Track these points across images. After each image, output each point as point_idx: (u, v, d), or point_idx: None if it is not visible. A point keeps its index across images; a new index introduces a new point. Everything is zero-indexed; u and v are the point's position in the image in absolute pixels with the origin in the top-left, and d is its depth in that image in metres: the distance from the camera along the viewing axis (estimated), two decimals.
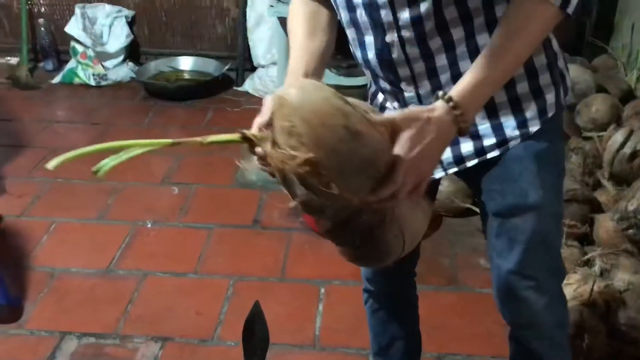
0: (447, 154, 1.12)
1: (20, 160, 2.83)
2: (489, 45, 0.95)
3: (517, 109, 1.08)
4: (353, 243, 0.95)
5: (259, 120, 0.92)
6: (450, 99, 0.90)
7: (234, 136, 0.89)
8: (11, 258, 2.17)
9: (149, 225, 2.37)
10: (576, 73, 2.54)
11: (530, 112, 1.08)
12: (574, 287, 1.80)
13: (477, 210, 2.30)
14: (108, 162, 0.87)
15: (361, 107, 0.84)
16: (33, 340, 1.85)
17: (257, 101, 3.32)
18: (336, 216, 0.91)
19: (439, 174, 1.16)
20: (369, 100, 1.24)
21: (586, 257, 1.92)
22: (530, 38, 0.95)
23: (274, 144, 0.83)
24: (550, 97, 1.09)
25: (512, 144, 1.09)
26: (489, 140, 1.10)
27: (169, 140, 0.90)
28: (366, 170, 0.84)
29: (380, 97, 1.20)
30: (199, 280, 2.09)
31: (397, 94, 1.12)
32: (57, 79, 3.62)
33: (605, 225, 2.00)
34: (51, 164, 0.85)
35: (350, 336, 1.86)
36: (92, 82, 3.58)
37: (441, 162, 1.14)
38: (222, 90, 3.51)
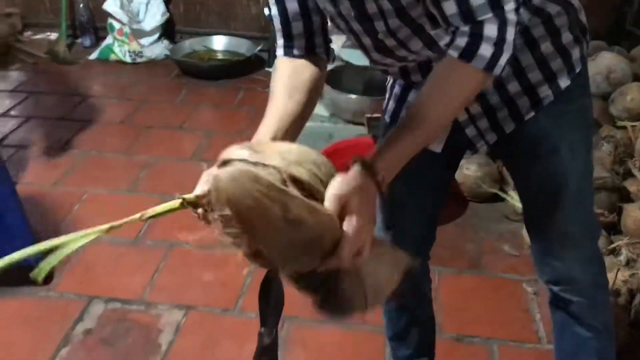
0: (485, 124, 1.13)
1: (56, 132, 2.91)
2: (412, 107, 0.94)
3: (545, 68, 1.08)
4: (313, 293, 0.94)
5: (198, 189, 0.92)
6: (369, 165, 0.87)
7: (174, 204, 0.88)
8: (43, 225, 2.23)
9: (177, 197, 2.41)
10: (613, 61, 2.49)
11: (559, 68, 1.08)
12: None
13: (504, 196, 2.31)
14: (47, 264, 0.87)
15: (309, 179, 0.83)
16: (62, 302, 1.92)
17: None
18: (289, 273, 0.92)
19: (481, 146, 1.17)
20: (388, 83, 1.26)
21: (612, 245, 1.89)
22: (453, 102, 0.93)
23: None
24: (575, 53, 1.10)
25: (545, 102, 1.10)
26: (524, 102, 1.10)
27: (105, 227, 0.89)
28: (311, 251, 0.84)
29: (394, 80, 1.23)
30: (224, 253, 2.11)
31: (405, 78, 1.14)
32: (94, 55, 3.70)
33: (633, 214, 1.97)
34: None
35: (369, 314, 1.88)
36: (128, 59, 3.65)
37: (481, 134, 1.14)
38: (253, 70, 3.54)
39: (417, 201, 1.27)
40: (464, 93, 0.93)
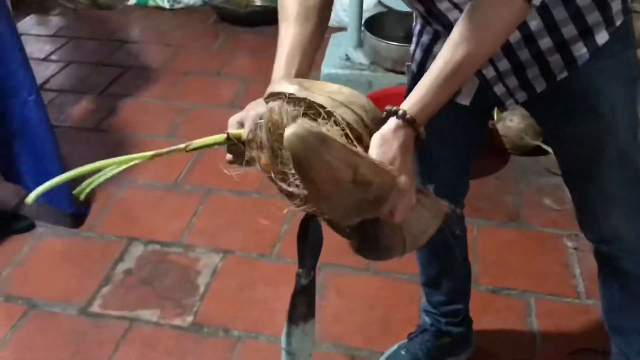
0: (514, 82, 1.07)
1: (96, 77, 2.93)
2: (443, 49, 0.87)
3: (580, 22, 1.00)
4: (352, 238, 0.93)
5: (236, 118, 0.92)
6: (404, 114, 0.84)
7: (219, 137, 0.88)
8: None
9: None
10: None
11: (596, 22, 1.00)
12: None
13: (547, 148, 2.24)
14: (89, 184, 0.87)
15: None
16: (103, 243, 1.96)
17: (327, 30, 3.28)
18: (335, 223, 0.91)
19: (510, 105, 1.11)
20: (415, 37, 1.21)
21: None
22: (490, 37, 0.87)
23: (270, 151, 0.82)
24: (616, 4, 1.02)
25: (580, 60, 1.02)
26: (556, 60, 1.03)
27: (149, 154, 0.88)
28: (371, 209, 0.83)
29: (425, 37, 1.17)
30: (261, 199, 2.14)
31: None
32: (132, 1, 3.68)
33: None
34: (30, 198, 0.86)
35: (404, 263, 1.87)
36: (166, 5, 3.62)
37: (510, 92, 1.09)
38: None
39: (446, 152, 1.24)
40: (502, 25, 0.87)
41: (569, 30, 1.00)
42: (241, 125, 0.92)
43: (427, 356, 1.53)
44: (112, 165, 0.87)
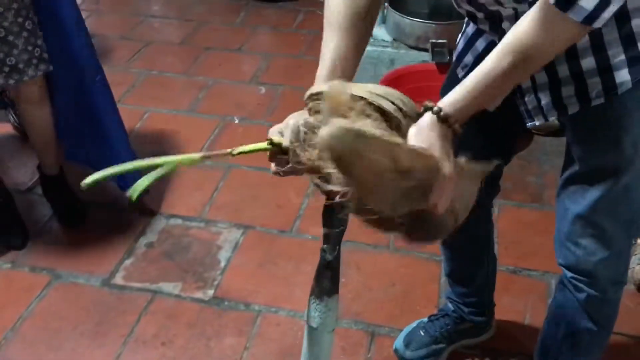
0: (547, 97, 1.01)
1: (118, 51, 2.93)
2: (489, 58, 0.86)
3: (631, 47, 0.93)
4: (403, 226, 0.91)
5: (277, 129, 0.91)
6: (439, 111, 0.86)
7: (262, 145, 0.88)
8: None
9: (236, 121, 2.42)
10: None
11: None
12: None
13: None
14: (141, 184, 0.87)
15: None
16: (125, 217, 1.98)
17: None
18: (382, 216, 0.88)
19: (538, 120, 1.06)
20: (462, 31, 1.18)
21: None
22: (541, 58, 0.85)
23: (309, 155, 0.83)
24: None
25: (621, 89, 0.95)
26: (595, 84, 0.96)
27: (198, 155, 0.88)
28: (418, 195, 0.83)
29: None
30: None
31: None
32: None
33: None
34: (86, 182, 0.86)
35: None
36: None
37: (540, 108, 1.03)
38: None
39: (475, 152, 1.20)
40: (554, 43, 0.83)
41: (616, 53, 0.94)
42: (282, 135, 0.92)
43: (446, 339, 1.54)
44: (164, 164, 0.88)
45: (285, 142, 0.90)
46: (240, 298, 1.71)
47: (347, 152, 0.76)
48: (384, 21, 2.63)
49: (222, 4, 3.40)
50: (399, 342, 1.56)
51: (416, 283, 1.76)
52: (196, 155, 0.89)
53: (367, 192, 0.80)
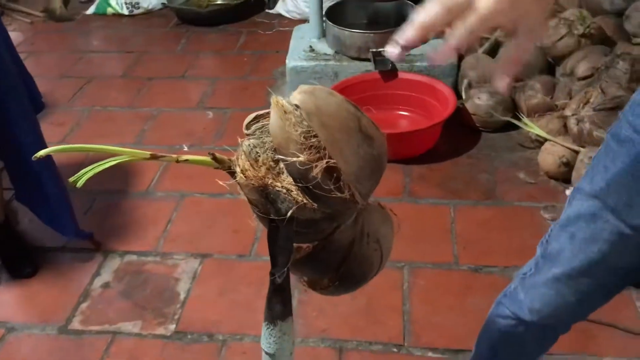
0: None
1: (59, 91, 2.87)
2: None
3: None
4: (333, 265, 0.91)
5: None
6: None
7: (207, 158, 0.87)
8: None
9: (185, 149, 2.39)
10: None
11: None
12: None
13: (517, 123, 2.24)
14: (86, 172, 0.86)
15: None
16: (78, 258, 1.93)
17: (290, 23, 3.25)
18: (322, 232, 0.88)
19: None
20: None
21: None
22: None
23: (254, 160, 0.83)
24: None
25: None
26: None
27: (147, 153, 0.89)
28: (377, 171, 0.83)
29: None
30: (235, 200, 2.11)
31: None
32: (90, 10, 3.62)
33: None
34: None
35: None
36: (125, 11, 3.56)
37: None
38: (254, 13, 3.45)
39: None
40: None
41: None
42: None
43: None
44: (111, 152, 0.87)
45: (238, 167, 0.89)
46: (203, 329, 1.67)
47: (320, 102, 0.78)
48: (324, 35, 2.64)
49: (161, 33, 3.37)
50: None
51: (379, 293, 1.75)
52: (145, 153, 0.89)
53: (335, 146, 0.79)
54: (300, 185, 0.83)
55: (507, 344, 1.20)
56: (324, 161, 0.80)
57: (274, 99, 0.84)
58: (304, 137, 0.80)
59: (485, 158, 2.26)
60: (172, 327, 1.69)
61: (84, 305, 1.77)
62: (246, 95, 2.73)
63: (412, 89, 2.43)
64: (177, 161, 0.92)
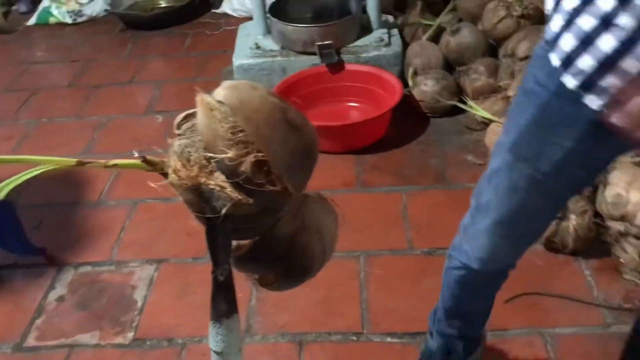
0: None
1: (3, 105, 2.81)
2: None
3: None
4: (276, 259, 0.92)
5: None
6: None
7: (137, 162, 0.88)
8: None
9: (136, 155, 2.35)
10: None
11: None
12: None
13: (463, 107, 2.28)
14: (9, 183, 0.85)
15: None
16: (32, 273, 1.89)
17: (236, 21, 3.24)
18: (261, 227, 0.89)
19: None
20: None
21: None
22: None
23: (186, 160, 0.83)
24: None
25: None
26: None
27: (74, 160, 0.88)
28: (307, 162, 0.84)
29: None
30: None
31: None
32: (32, 21, 3.54)
33: None
34: None
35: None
36: (68, 20, 3.50)
37: None
38: (200, 14, 3.42)
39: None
40: None
41: None
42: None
43: None
44: (41, 163, 0.86)
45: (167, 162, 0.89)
46: (162, 334, 1.66)
47: (244, 96, 0.79)
48: (269, 31, 2.64)
49: (107, 39, 3.32)
50: None
51: (336, 284, 1.76)
52: (71, 161, 0.89)
53: (261, 140, 0.80)
54: (232, 181, 0.83)
55: (464, 290, 1.28)
56: (252, 155, 0.80)
57: (198, 96, 0.84)
58: (230, 133, 0.80)
59: (435, 143, 2.29)
60: (131, 335, 1.67)
61: (38, 321, 1.74)
62: (194, 96, 2.70)
63: (359, 80, 2.45)
64: (106, 166, 0.91)
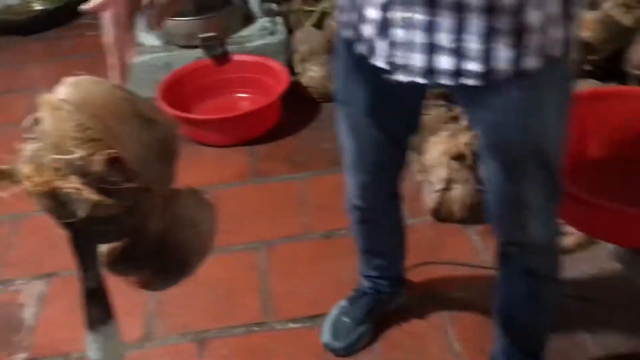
0: (421, 61, 0.94)
1: None
2: None
3: (515, 39, 0.90)
4: (149, 258, 0.89)
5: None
6: None
7: None
8: None
9: None
10: None
11: (530, 45, 0.91)
12: (443, 143, 1.85)
13: None
14: None
15: None
16: None
17: None
18: (128, 227, 0.85)
19: (405, 77, 0.97)
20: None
21: (452, 113, 1.96)
22: None
23: (38, 165, 0.79)
24: (555, 33, 0.92)
25: (500, 76, 0.93)
26: (471, 65, 0.92)
27: None
28: (165, 156, 0.83)
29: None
30: None
31: None
32: None
33: None
34: None
35: (234, 236, 1.86)
36: None
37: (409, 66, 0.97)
38: (78, 15, 3.25)
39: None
40: None
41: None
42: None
43: (370, 317, 1.54)
44: None
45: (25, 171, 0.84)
46: (57, 351, 1.59)
47: (85, 93, 0.77)
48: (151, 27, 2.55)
49: None
50: (326, 336, 1.53)
51: (237, 277, 1.75)
52: None
53: (112, 137, 0.77)
54: (88, 182, 0.80)
55: (361, 230, 1.47)
56: (103, 153, 0.77)
57: (42, 97, 0.80)
58: (78, 131, 0.77)
59: (327, 127, 2.30)
60: (23, 355, 1.59)
61: None
62: None
63: (246, 71, 2.43)
64: None
